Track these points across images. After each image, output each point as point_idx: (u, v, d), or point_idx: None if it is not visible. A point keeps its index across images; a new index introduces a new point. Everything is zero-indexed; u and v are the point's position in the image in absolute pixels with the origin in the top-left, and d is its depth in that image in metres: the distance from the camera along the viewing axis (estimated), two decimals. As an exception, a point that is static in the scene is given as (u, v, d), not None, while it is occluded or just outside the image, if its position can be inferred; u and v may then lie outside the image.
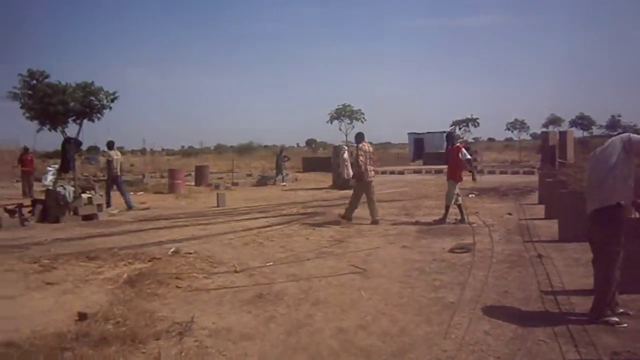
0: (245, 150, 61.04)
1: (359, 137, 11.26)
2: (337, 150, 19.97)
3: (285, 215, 12.11)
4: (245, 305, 5.13)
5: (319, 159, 35.00)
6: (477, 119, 42.66)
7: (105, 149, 14.55)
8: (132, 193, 19.10)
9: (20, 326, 4.52)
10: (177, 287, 5.79)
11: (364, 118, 21.83)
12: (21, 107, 11.34)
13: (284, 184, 22.59)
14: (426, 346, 4.07)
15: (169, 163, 42.89)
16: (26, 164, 19.36)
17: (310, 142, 78.64)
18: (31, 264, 7.14)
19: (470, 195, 14.69)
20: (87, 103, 11.42)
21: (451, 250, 7.57)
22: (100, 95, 11.60)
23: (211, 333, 4.35)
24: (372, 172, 10.86)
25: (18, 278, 6.41)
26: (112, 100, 11.79)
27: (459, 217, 10.28)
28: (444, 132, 20.51)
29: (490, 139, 79.27)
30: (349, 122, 21.88)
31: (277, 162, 24.06)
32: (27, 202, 13.25)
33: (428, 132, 45.19)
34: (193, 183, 22.24)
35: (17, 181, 25.28)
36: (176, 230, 10.09)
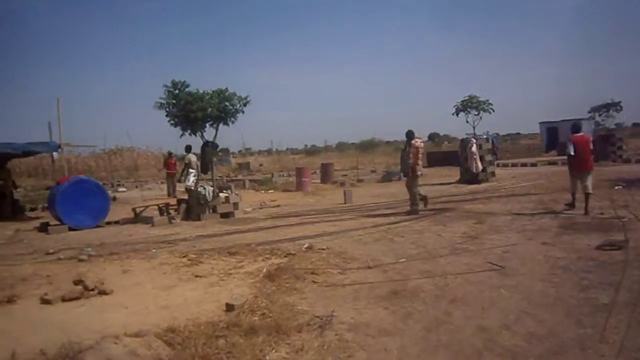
0: (367, 146, 61.32)
1: (410, 135, 11.81)
2: (465, 143, 19.29)
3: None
4: (381, 301, 5.14)
5: (443, 153, 34.15)
6: (620, 102, 38.76)
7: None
8: (262, 191, 20.15)
9: (176, 314, 4.95)
10: (313, 282, 5.97)
11: (492, 109, 20.82)
12: (166, 115, 12.37)
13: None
14: (579, 349, 3.79)
15: (294, 162, 44.45)
16: (170, 167, 21.15)
17: (433, 136, 76.94)
18: (181, 258, 7.79)
19: (617, 187, 13.42)
20: (223, 108, 12.16)
21: (599, 247, 6.95)
22: (234, 100, 12.30)
23: (350, 327, 4.41)
24: (421, 167, 11.80)
25: (171, 270, 7.03)
26: (245, 105, 12.45)
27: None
28: (580, 119, 18.97)
29: (636, 124, 71.66)
30: (476, 113, 21.02)
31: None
32: (173, 201, 14.48)
33: (563, 120, 41.98)
34: (319, 181, 22.80)
35: (162, 182, 27.78)
36: (307, 226, 10.41)
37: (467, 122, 22.04)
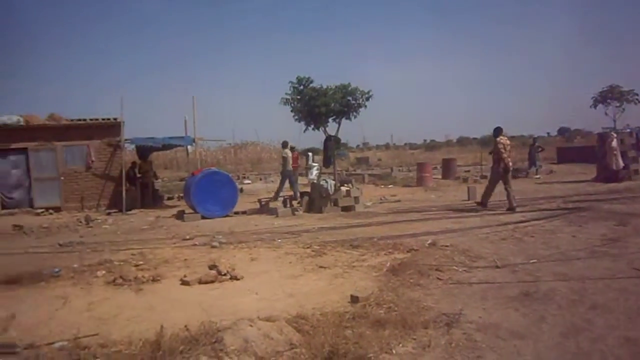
0: (490, 141, 58.64)
1: (497, 131, 12.17)
2: (604, 138, 17.75)
3: (543, 210, 11.27)
4: (511, 302, 4.90)
5: (576, 149, 31.75)
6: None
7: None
8: (382, 186, 20.13)
9: (303, 303, 5.11)
10: (438, 278, 5.85)
11: (637, 99, 18.82)
12: (291, 111, 12.81)
13: (537, 176, 21.09)
14: None
15: (413, 157, 43.87)
16: (292, 161, 21.85)
17: (562, 131, 71.68)
18: (305, 249, 8.04)
19: None
20: (346, 103, 12.32)
21: None
22: (357, 95, 12.41)
23: (479, 327, 4.26)
24: (510, 163, 11.97)
25: (296, 260, 7.27)
26: (367, 99, 12.51)
27: None
28: None
29: None
30: (617, 105, 19.13)
31: (529, 153, 22.59)
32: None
33: None
34: (440, 176, 22.30)
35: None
36: (429, 222, 10.23)
37: (607, 114, 20.26)
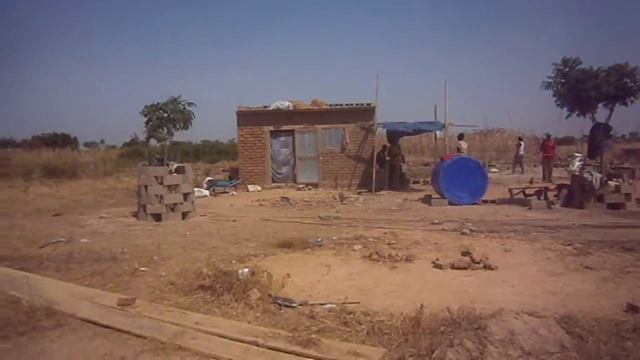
0: None
1: None
2: None
3: None
4: None
5: None
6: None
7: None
8: None
9: (566, 303, 4.70)
10: None
11: None
12: (553, 95, 11.79)
13: None
14: None
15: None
16: (548, 150, 20.20)
17: None
18: (565, 246, 7.37)
19: None
20: (622, 86, 10.83)
21: None
22: (637, 76, 10.79)
23: None
24: None
25: (555, 257, 6.72)
26: (652, 82, 10.80)
27: None
28: None
29: None
30: None
31: None
32: (552, 186, 13.83)
33: None
34: None
35: (536, 165, 26.88)
36: None
37: None
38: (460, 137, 18.26)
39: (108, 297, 4.99)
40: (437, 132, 19.58)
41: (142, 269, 6.36)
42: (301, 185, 18.94)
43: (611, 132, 12.17)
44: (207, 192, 17.21)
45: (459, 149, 17.28)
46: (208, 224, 10.56)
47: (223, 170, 25.95)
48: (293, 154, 19.57)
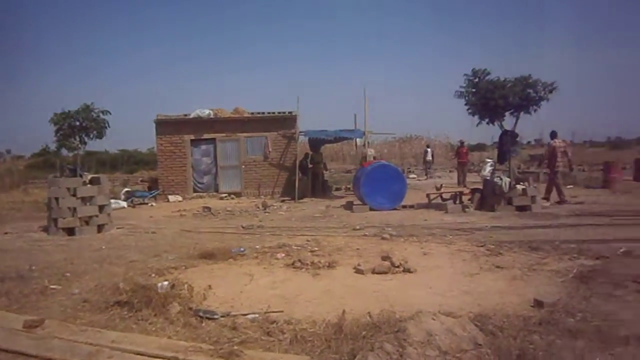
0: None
1: (551, 135, 14.08)
2: None
3: None
4: None
5: None
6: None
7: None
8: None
9: (479, 302, 4.93)
10: (637, 291, 5.21)
11: None
12: (465, 104, 12.39)
13: None
14: None
15: (596, 155, 39.68)
16: (462, 156, 21.23)
17: None
18: (479, 247, 7.75)
19: None
20: (526, 96, 11.58)
21: None
22: (538, 87, 11.58)
23: (696, 352, 3.71)
24: (561, 164, 13.76)
25: (470, 258, 7.05)
26: (551, 92, 11.60)
27: None
28: None
29: None
30: None
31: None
32: (466, 190, 14.51)
33: None
34: (631, 178, 19.91)
35: (451, 171, 28.13)
36: (620, 228, 9.16)
37: None
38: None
39: (13, 320, 4.66)
40: (358, 139, 20.01)
41: (53, 287, 6.00)
42: (223, 195, 18.69)
43: (518, 139, 12.97)
44: (124, 204, 16.55)
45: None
46: (126, 236, 10.16)
47: (142, 181, 25.06)
48: (215, 163, 19.28)
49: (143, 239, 9.77)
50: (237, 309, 4.92)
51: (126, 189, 18.81)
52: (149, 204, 17.37)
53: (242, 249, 7.94)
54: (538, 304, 4.69)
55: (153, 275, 6.36)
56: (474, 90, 12.15)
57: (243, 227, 10.88)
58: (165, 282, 5.33)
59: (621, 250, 7.03)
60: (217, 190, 19.15)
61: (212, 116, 19.19)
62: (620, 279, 5.57)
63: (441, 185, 16.91)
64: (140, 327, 4.43)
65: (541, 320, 4.14)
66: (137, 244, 9.14)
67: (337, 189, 21.09)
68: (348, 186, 20.29)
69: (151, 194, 18.44)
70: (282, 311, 4.75)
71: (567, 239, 8.08)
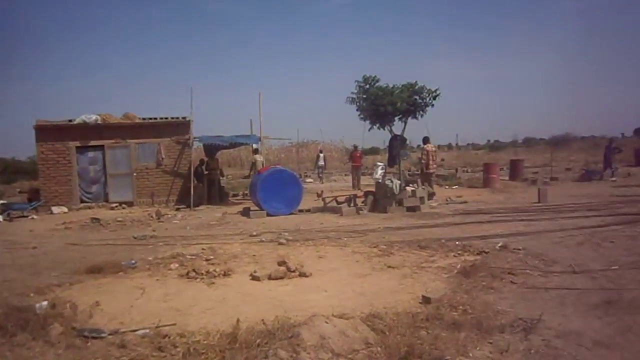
0: (559, 142, 56.31)
1: (424, 140, 15.15)
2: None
3: (623, 214, 10.68)
4: (592, 310, 4.68)
5: (656, 151, 29.87)
6: None
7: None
8: (446, 187, 19.77)
9: (373, 302, 5.09)
10: (511, 282, 5.68)
11: None
12: (357, 110, 12.79)
13: (613, 179, 20.02)
14: None
15: (477, 157, 42.74)
16: (355, 159, 21.85)
17: (639, 131, 67.63)
18: (372, 248, 8.02)
19: None
20: (412, 102, 12.19)
21: None
22: (424, 94, 12.24)
23: (559, 334, 4.09)
24: (435, 166, 15.60)
25: (364, 259, 7.27)
26: (435, 98, 12.31)
27: None
28: None
29: None
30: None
31: (605, 155, 21.51)
32: (360, 193, 14.96)
33: None
34: (507, 177, 21.65)
35: (346, 175, 28.84)
36: (498, 225, 9.95)
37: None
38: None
39: None
40: (254, 145, 19.91)
41: None
42: (114, 204, 17.71)
43: (407, 143, 13.62)
44: (0, 218, 15.17)
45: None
46: (1, 253, 9.30)
47: (20, 192, 23.10)
48: (104, 171, 18.23)
49: (22, 255, 9.00)
50: (127, 325, 4.67)
51: (1, 202, 17.24)
52: (30, 217, 16.03)
53: (133, 262, 7.57)
54: (425, 300, 4.94)
55: (32, 295, 5.86)
56: (364, 96, 12.58)
57: (135, 238, 10.39)
58: (45, 302, 4.94)
59: (499, 245, 7.61)
60: (107, 200, 18.10)
61: (99, 122, 18.14)
62: (498, 272, 6.03)
63: (322, 191, 17.20)
64: (15, 354, 4.05)
65: (428, 316, 4.36)
66: (14, 261, 8.39)
67: (234, 195, 20.82)
68: (245, 192, 20.09)
69: (31, 206, 17.02)
70: (174, 324, 4.59)
71: (452, 237, 8.60)
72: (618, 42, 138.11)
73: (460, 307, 4.63)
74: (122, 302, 5.51)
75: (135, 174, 18.32)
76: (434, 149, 15.34)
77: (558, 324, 4.31)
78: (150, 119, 18.96)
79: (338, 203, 14.45)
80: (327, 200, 14.68)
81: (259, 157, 18.17)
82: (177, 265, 7.30)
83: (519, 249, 7.34)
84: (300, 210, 13.68)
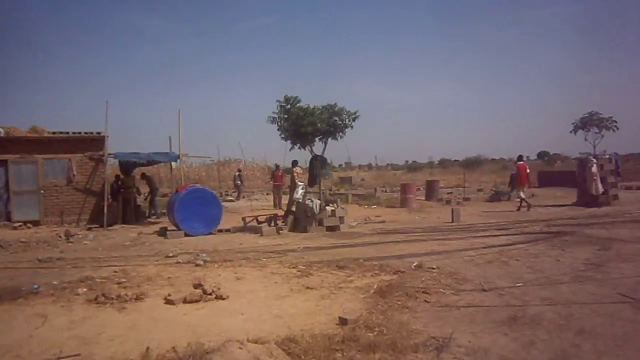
0: (472, 164, 59.40)
1: (293, 163, 15.08)
2: (584, 163, 18.05)
3: (528, 233, 11.36)
4: (499, 327, 4.90)
5: (556, 173, 32.19)
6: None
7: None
8: (366, 206, 20.15)
9: (290, 324, 5.04)
10: (425, 301, 5.83)
11: (616, 126, 19.48)
12: (278, 129, 12.81)
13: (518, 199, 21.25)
14: None
15: (396, 177, 44.09)
16: (277, 179, 21.82)
17: (542, 155, 72.77)
18: (290, 269, 7.98)
19: None
20: (332, 123, 12.38)
21: None
22: (343, 115, 12.47)
23: (468, 352, 4.23)
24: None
25: (282, 280, 7.20)
26: (354, 119, 12.58)
27: None
28: None
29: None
30: (597, 131, 19.75)
31: (510, 177, 22.86)
32: (280, 213, 14.91)
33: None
34: (423, 198, 22.42)
35: (268, 194, 28.71)
36: (414, 244, 10.24)
37: (586, 140, 20.74)
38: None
39: None
40: (173, 162, 19.35)
41: None
42: (18, 224, 16.48)
43: (328, 162, 13.78)
44: None
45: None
46: None
47: None
48: (6, 188, 16.95)
49: None
50: (24, 357, 4.33)
51: None
52: None
53: (35, 286, 7.05)
54: (342, 321, 4.95)
55: None
56: (286, 116, 12.63)
57: (39, 261, 9.70)
58: None
59: (414, 264, 7.82)
60: (9, 219, 16.82)
61: (2, 135, 16.94)
62: (413, 291, 6.18)
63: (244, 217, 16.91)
64: None
65: (344, 338, 4.36)
66: None
67: (152, 214, 20.07)
68: (164, 211, 19.43)
69: None
70: (79, 354, 4.31)
71: (370, 257, 8.74)
72: (526, 68, 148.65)
73: (376, 327, 4.68)
74: (20, 332, 5.10)
75: (42, 192, 17.21)
76: (301, 171, 15.26)
77: (468, 342, 4.46)
78: (62, 133, 17.95)
79: (259, 222, 14.32)
80: (248, 219, 14.51)
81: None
82: (85, 289, 6.88)
83: (433, 268, 7.57)
84: (220, 230, 13.41)
